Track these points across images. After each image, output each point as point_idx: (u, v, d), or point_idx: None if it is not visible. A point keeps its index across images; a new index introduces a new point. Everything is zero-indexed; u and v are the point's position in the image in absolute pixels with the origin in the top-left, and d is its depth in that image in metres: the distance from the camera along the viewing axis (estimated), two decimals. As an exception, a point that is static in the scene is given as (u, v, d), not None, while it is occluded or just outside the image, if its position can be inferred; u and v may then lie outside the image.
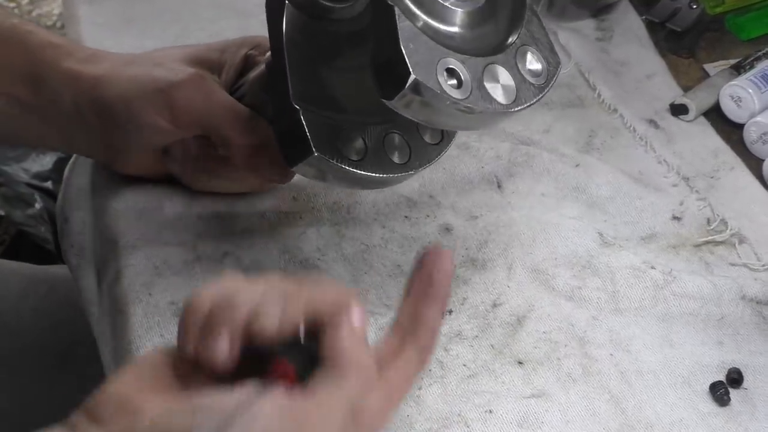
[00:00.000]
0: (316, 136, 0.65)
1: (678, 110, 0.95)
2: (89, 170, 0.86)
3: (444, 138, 0.72)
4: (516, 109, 0.62)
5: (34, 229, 1.53)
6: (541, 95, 0.63)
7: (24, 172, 1.58)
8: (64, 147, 0.81)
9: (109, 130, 0.75)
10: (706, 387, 0.72)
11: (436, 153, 0.71)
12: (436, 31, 0.61)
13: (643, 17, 1.04)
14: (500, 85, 0.61)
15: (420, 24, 0.61)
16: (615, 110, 0.95)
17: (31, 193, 1.55)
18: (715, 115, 0.95)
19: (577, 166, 0.87)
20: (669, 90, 0.98)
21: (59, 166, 1.59)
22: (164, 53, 0.76)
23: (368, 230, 0.80)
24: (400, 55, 0.58)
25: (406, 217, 0.82)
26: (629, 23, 1.04)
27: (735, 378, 0.73)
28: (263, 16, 1.02)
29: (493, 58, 0.62)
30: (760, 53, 0.98)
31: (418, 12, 0.61)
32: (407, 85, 0.58)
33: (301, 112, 0.66)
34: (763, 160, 0.90)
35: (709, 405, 0.72)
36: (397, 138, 0.69)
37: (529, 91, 0.63)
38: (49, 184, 1.58)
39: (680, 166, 0.89)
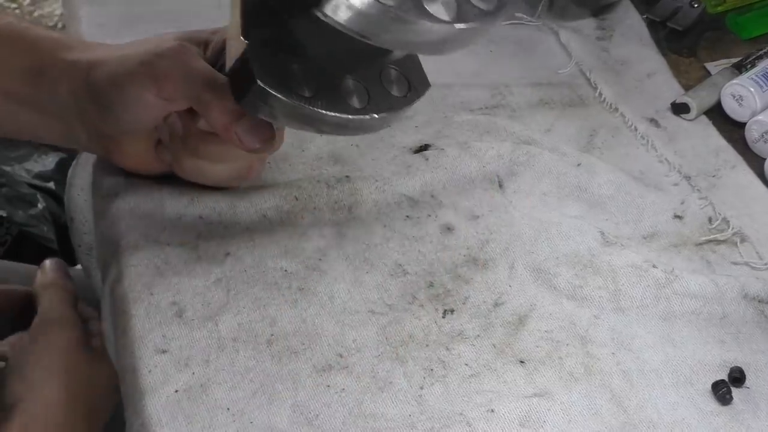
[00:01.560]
0: (262, 69, 0.64)
1: (679, 109, 0.95)
2: (90, 170, 0.86)
3: (411, 91, 0.69)
4: (458, 26, 0.56)
5: (36, 229, 1.53)
6: (488, 22, 0.58)
7: (26, 173, 1.58)
8: (64, 140, 0.81)
9: (104, 116, 0.75)
10: (708, 386, 0.72)
11: (401, 104, 0.68)
12: None
13: (644, 16, 1.04)
14: (439, 2, 0.56)
15: None
16: (616, 109, 0.95)
17: (33, 193, 1.56)
18: (716, 113, 0.95)
19: (578, 165, 0.87)
20: (670, 89, 0.98)
21: (61, 166, 1.59)
22: (159, 36, 0.77)
23: (369, 230, 0.80)
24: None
25: (407, 216, 0.82)
26: (630, 22, 1.04)
27: (737, 377, 0.73)
28: (264, 16, 1.03)
29: None
30: (761, 52, 0.98)
31: None
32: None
33: (247, 44, 0.64)
34: (765, 159, 0.90)
35: (711, 404, 0.72)
36: (352, 83, 0.67)
37: (471, 13, 0.57)
38: (51, 185, 1.58)
39: (681, 165, 0.89)
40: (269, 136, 0.72)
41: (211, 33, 0.78)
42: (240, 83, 0.67)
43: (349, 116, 0.66)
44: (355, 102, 0.66)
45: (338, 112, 0.66)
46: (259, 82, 0.64)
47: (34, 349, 0.85)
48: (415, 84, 0.69)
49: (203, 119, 0.74)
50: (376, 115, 0.67)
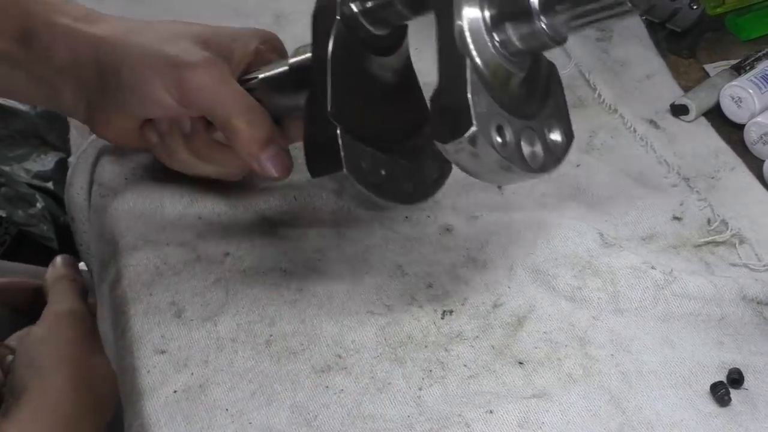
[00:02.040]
0: (347, 156, 0.68)
1: (678, 110, 0.95)
2: (89, 170, 0.86)
3: (443, 175, 0.76)
4: (540, 174, 0.65)
5: (36, 229, 1.53)
6: (557, 166, 0.67)
7: (25, 173, 1.58)
8: (47, 103, 0.81)
9: (106, 93, 0.75)
10: (707, 387, 0.72)
11: (434, 189, 0.76)
12: (493, 88, 0.63)
13: (644, 17, 1.04)
14: (532, 150, 0.65)
15: (483, 80, 0.63)
16: (615, 110, 0.95)
17: (32, 193, 1.56)
18: (715, 115, 0.95)
19: (577, 166, 0.87)
20: (669, 90, 0.98)
21: (60, 166, 1.59)
22: (169, 27, 0.77)
23: (368, 230, 0.80)
24: (466, 105, 0.60)
25: (406, 217, 0.82)
26: (629, 23, 1.04)
27: (735, 378, 0.73)
28: (263, 18, 1.03)
29: (529, 122, 0.65)
30: (760, 54, 0.98)
31: (483, 69, 0.63)
32: (467, 134, 0.60)
33: (339, 130, 0.68)
34: (764, 161, 0.90)
35: (709, 405, 0.72)
36: (407, 169, 0.74)
37: (550, 160, 0.66)
38: (50, 185, 1.58)
39: (681, 167, 0.89)
40: (290, 165, 0.74)
41: (231, 40, 0.78)
42: (322, 162, 0.69)
43: (402, 204, 0.75)
44: (409, 187, 0.74)
45: (396, 202, 0.73)
46: (345, 170, 0.68)
47: (44, 340, 0.86)
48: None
49: (225, 137, 0.74)
50: (418, 204, 0.76)
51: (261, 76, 0.76)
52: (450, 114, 0.61)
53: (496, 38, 0.64)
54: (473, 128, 0.61)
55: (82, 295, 0.91)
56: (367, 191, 0.70)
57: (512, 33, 0.64)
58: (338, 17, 0.70)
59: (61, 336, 0.86)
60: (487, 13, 0.64)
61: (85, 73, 0.75)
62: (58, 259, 0.94)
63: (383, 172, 0.71)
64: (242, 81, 0.76)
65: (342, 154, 0.68)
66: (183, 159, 0.79)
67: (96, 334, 0.88)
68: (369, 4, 0.70)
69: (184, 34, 0.76)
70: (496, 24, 0.64)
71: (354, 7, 0.70)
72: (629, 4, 0.63)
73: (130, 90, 0.74)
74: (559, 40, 0.65)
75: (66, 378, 0.83)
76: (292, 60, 0.75)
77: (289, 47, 0.98)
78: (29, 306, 0.94)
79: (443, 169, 0.76)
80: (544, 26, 0.64)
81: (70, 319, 0.87)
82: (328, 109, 0.68)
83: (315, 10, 0.71)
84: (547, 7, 0.63)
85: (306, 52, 0.75)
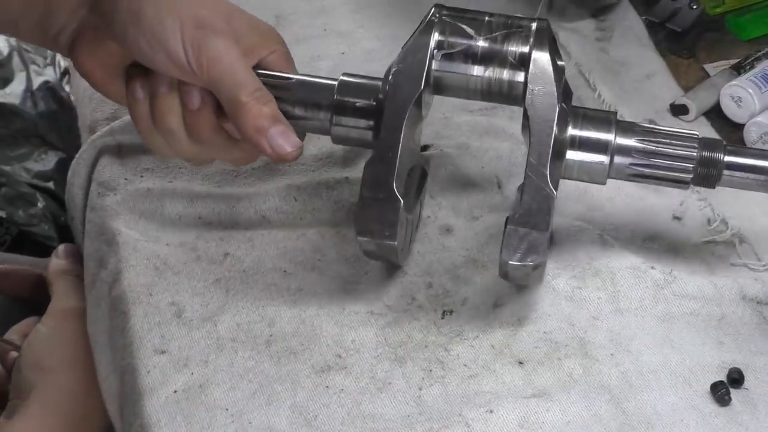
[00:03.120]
0: (400, 230, 0.72)
1: (678, 110, 0.95)
2: (88, 170, 0.86)
3: (413, 240, 0.81)
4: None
5: (37, 228, 1.53)
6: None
7: (26, 172, 1.58)
8: (34, 19, 0.76)
9: (115, 18, 0.71)
10: (707, 387, 0.72)
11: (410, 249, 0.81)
12: None
13: (643, 17, 1.04)
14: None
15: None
16: (615, 110, 0.94)
17: (33, 193, 1.56)
18: (715, 115, 0.95)
19: (577, 166, 0.87)
20: (669, 90, 0.98)
21: (61, 166, 1.59)
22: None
23: (369, 231, 0.80)
24: (545, 241, 0.69)
25: (406, 217, 0.82)
26: (629, 23, 1.03)
27: (736, 378, 0.73)
28: (263, 18, 1.02)
29: None
30: (760, 53, 0.97)
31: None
32: (536, 263, 0.69)
33: (401, 207, 0.71)
34: (764, 160, 0.90)
35: (709, 405, 0.72)
36: (412, 232, 0.79)
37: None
38: (51, 184, 1.58)
39: (681, 166, 0.89)
40: (300, 144, 0.72)
41: (252, 29, 0.75)
42: (375, 225, 0.71)
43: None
44: (411, 247, 0.81)
45: (404, 261, 0.79)
46: (395, 242, 0.72)
47: (50, 339, 0.85)
48: None
49: (230, 113, 0.72)
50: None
51: (298, 77, 0.75)
52: (527, 242, 0.69)
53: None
54: (543, 260, 0.69)
55: (82, 287, 0.91)
56: (397, 258, 0.75)
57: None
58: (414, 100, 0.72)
59: (68, 335, 0.86)
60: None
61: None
62: (61, 248, 0.93)
63: (409, 239, 0.78)
64: (263, 74, 0.75)
65: (397, 228, 0.71)
66: (173, 131, 0.74)
67: None
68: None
69: (215, 2, 0.74)
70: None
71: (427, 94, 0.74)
72: (688, 182, 0.73)
73: (144, 27, 0.70)
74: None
75: (73, 378, 0.83)
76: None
77: (290, 47, 0.98)
78: (29, 295, 0.93)
79: (414, 234, 0.81)
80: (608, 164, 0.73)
81: (76, 318, 0.87)
82: (394, 186, 0.70)
83: (395, 74, 0.72)
84: (622, 151, 0.73)
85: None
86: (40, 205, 1.54)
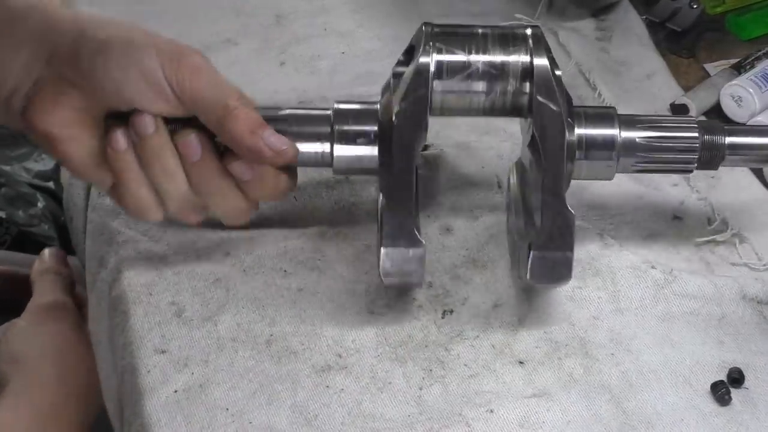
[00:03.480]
0: (423, 272, 0.71)
1: (678, 110, 0.95)
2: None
3: None
4: None
5: (37, 228, 1.53)
6: None
7: (26, 172, 1.58)
8: None
9: (80, 65, 0.66)
10: (707, 387, 0.72)
11: None
12: None
13: (644, 17, 1.04)
14: None
15: None
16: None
17: (33, 193, 1.56)
18: (715, 114, 0.95)
19: (577, 166, 0.87)
20: (669, 90, 0.98)
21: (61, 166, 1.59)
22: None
23: (368, 230, 0.80)
24: (569, 261, 0.70)
25: (406, 217, 0.82)
26: (629, 23, 1.03)
27: (736, 378, 0.73)
28: (263, 18, 1.03)
29: None
30: (760, 53, 0.97)
31: None
32: (560, 283, 0.71)
33: (423, 249, 0.70)
34: (764, 160, 0.90)
35: (710, 405, 0.72)
36: None
37: None
38: (51, 184, 1.58)
39: (681, 166, 0.89)
40: (291, 142, 0.70)
41: None
42: (397, 273, 0.70)
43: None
44: None
45: None
46: (420, 282, 0.72)
47: (27, 332, 0.86)
48: None
49: (219, 126, 0.68)
50: None
51: (290, 110, 0.73)
52: (549, 264, 0.70)
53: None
54: (570, 278, 0.70)
55: (67, 286, 0.91)
56: (420, 287, 0.74)
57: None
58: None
59: (45, 329, 0.86)
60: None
61: (54, 39, 0.67)
62: (46, 251, 0.94)
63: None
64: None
65: (422, 270, 0.70)
66: (171, 175, 0.68)
67: (81, 327, 0.87)
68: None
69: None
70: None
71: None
72: (693, 169, 0.75)
73: (115, 56, 0.65)
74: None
75: (48, 371, 0.83)
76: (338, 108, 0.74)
77: (290, 47, 0.98)
78: (13, 295, 0.93)
79: None
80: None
81: (53, 312, 0.87)
82: (415, 231, 0.70)
83: (398, 115, 0.70)
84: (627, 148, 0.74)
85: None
86: (40, 205, 1.54)
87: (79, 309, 0.91)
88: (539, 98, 0.70)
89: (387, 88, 0.73)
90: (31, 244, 1.52)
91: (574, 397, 0.71)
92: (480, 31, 0.73)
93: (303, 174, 0.85)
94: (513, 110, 0.73)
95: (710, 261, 0.81)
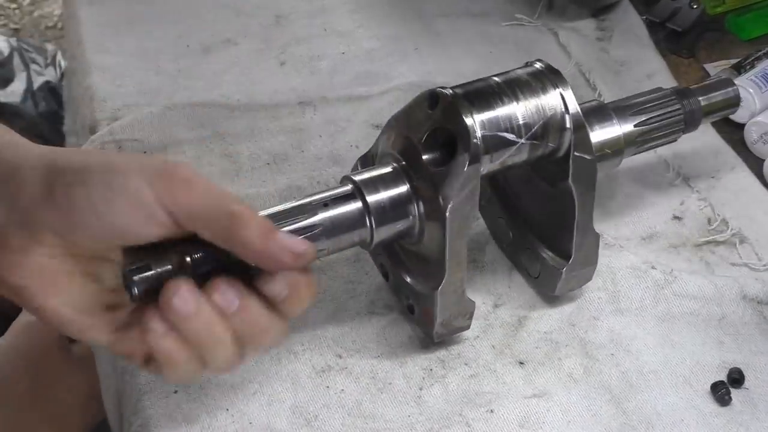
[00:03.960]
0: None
1: (678, 110, 0.95)
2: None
3: None
4: None
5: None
6: None
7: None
8: None
9: (53, 205, 0.57)
10: (707, 387, 0.72)
11: None
12: None
13: (643, 17, 1.04)
14: None
15: None
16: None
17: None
18: (715, 114, 0.95)
19: (577, 166, 0.87)
20: (669, 90, 0.98)
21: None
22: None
23: (369, 231, 0.80)
24: (593, 270, 0.75)
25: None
26: (629, 23, 1.04)
27: (736, 378, 0.73)
28: (263, 18, 1.03)
29: None
30: (760, 53, 0.97)
31: None
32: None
33: (474, 304, 0.72)
34: (764, 160, 0.90)
35: (710, 405, 0.72)
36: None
37: None
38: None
39: (681, 166, 0.89)
40: (309, 246, 0.60)
41: None
42: (458, 323, 0.72)
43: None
44: None
45: None
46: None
47: (8, 351, 0.85)
48: None
49: (236, 239, 0.58)
50: None
51: (321, 216, 0.66)
52: (580, 278, 0.75)
53: None
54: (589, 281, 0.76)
55: None
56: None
57: None
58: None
59: (24, 347, 0.85)
60: None
61: (19, 178, 0.58)
62: None
63: None
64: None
65: (470, 322, 0.73)
66: (218, 344, 0.58)
67: (63, 344, 0.87)
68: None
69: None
70: None
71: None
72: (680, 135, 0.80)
73: (104, 196, 0.56)
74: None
75: (25, 389, 0.82)
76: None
77: (290, 47, 0.98)
78: (6, 309, 0.94)
79: None
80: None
81: (36, 330, 0.86)
82: (467, 296, 0.70)
83: (451, 211, 0.67)
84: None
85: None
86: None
87: None
88: (576, 154, 0.70)
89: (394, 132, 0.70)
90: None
91: (574, 398, 0.71)
92: (502, 85, 0.69)
93: (303, 174, 0.85)
94: (549, 156, 0.71)
95: (710, 261, 0.82)
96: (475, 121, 0.67)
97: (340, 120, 0.90)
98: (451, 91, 0.67)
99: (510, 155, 0.69)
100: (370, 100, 0.92)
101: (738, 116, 0.93)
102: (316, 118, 0.90)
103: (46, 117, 1.60)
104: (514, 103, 0.68)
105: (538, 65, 0.71)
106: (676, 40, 1.02)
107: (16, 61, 1.58)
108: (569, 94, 0.70)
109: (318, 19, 1.01)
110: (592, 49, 1.01)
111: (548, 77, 0.70)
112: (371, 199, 0.67)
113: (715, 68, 0.99)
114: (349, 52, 0.98)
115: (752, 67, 0.96)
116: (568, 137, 0.70)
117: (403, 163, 0.69)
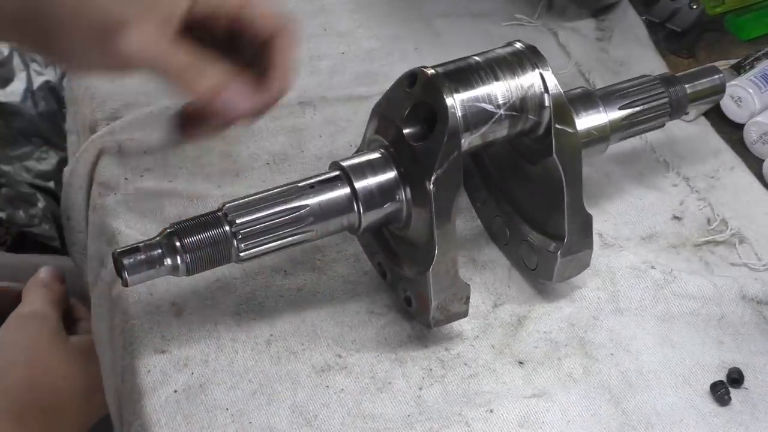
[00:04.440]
0: None
1: (678, 110, 0.95)
2: (89, 170, 0.86)
3: None
4: None
5: (37, 228, 1.53)
6: None
7: (26, 172, 1.58)
8: None
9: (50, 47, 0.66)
10: (707, 387, 0.72)
11: None
12: None
13: (643, 17, 1.04)
14: None
15: None
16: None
17: (33, 193, 1.56)
18: (715, 115, 0.95)
19: (577, 166, 0.87)
20: (669, 90, 0.98)
21: (62, 165, 1.59)
22: None
23: (369, 230, 0.80)
24: (590, 255, 0.75)
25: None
26: (629, 23, 1.04)
27: (735, 378, 0.73)
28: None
29: None
30: (760, 53, 0.97)
31: None
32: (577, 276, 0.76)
33: (469, 287, 0.72)
34: (763, 160, 0.90)
35: (709, 405, 0.72)
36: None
37: None
38: (51, 184, 1.58)
39: (680, 166, 0.89)
40: (263, 97, 0.68)
41: None
42: (455, 308, 0.72)
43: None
44: None
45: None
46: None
47: (4, 341, 0.86)
48: None
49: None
50: None
51: (312, 200, 0.69)
52: (576, 264, 0.75)
53: None
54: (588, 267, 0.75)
55: (53, 299, 0.91)
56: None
57: None
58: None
59: (19, 337, 0.86)
60: None
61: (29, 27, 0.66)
62: (42, 269, 0.94)
63: None
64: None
65: (467, 307, 0.72)
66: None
67: (59, 336, 0.88)
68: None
69: None
70: None
71: None
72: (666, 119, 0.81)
73: (68, 50, 0.65)
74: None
75: (18, 379, 0.83)
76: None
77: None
78: (8, 310, 0.94)
79: None
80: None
81: (31, 321, 0.87)
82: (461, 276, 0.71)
83: (435, 182, 0.68)
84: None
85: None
86: (40, 205, 1.55)
87: (71, 322, 0.92)
88: (558, 126, 0.71)
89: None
90: (31, 244, 1.52)
91: (573, 397, 0.71)
92: (482, 63, 0.71)
93: (303, 174, 0.85)
94: (530, 131, 0.72)
95: (710, 261, 0.82)
96: (454, 96, 0.68)
97: (340, 120, 0.90)
98: (431, 70, 0.69)
99: (490, 128, 0.70)
100: (370, 100, 0.91)
101: (738, 116, 0.93)
102: (316, 118, 0.90)
103: (46, 117, 1.60)
104: (493, 80, 0.70)
105: (518, 45, 0.72)
106: (676, 40, 1.02)
107: (16, 60, 1.58)
108: (548, 74, 0.71)
109: (318, 19, 1.01)
110: (591, 49, 1.01)
111: (528, 57, 0.71)
112: (359, 184, 0.69)
113: (714, 68, 0.99)
114: (349, 52, 0.98)
115: (752, 67, 0.96)
116: (548, 114, 0.71)
117: (391, 149, 0.70)
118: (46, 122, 1.60)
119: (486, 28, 1.02)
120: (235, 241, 0.66)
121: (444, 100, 0.67)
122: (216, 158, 0.86)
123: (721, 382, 0.72)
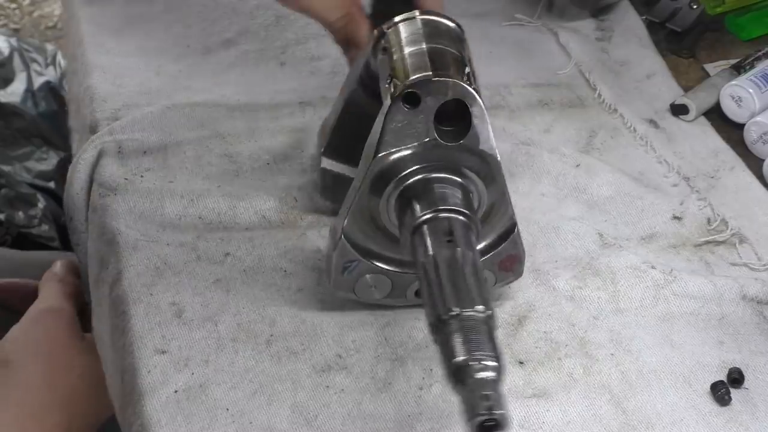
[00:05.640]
0: None
1: (678, 110, 0.95)
2: (89, 170, 0.86)
3: None
4: None
5: (37, 229, 1.53)
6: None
7: (26, 172, 1.58)
8: None
9: None
10: (707, 387, 0.72)
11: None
12: None
13: (644, 17, 1.04)
14: None
15: None
16: (615, 110, 0.95)
17: (33, 193, 1.56)
18: (715, 115, 0.95)
19: (577, 166, 0.87)
20: (669, 90, 0.98)
21: (62, 166, 1.59)
22: None
23: (369, 230, 0.80)
24: (523, 259, 0.73)
25: (406, 217, 0.82)
26: (629, 23, 1.04)
27: (736, 378, 0.73)
28: (264, 18, 1.03)
29: None
30: (760, 53, 0.98)
31: None
32: (518, 278, 0.74)
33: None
34: (764, 160, 0.90)
35: (709, 405, 0.72)
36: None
37: None
38: (51, 184, 1.58)
39: (680, 166, 0.89)
40: None
41: None
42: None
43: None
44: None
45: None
46: None
47: (20, 336, 0.86)
48: None
49: None
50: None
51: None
52: (510, 264, 0.72)
53: None
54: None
55: (69, 294, 0.91)
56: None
57: None
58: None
59: (37, 332, 0.86)
60: None
61: None
62: (58, 262, 0.95)
63: None
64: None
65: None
66: None
67: (76, 332, 0.88)
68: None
69: None
70: None
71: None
72: None
73: None
74: None
75: (35, 373, 0.83)
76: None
77: (290, 47, 0.98)
78: (25, 307, 0.94)
79: None
80: None
81: (48, 316, 0.87)
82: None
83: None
84: None
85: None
86: (40, 205, 1.55)
87: (79, 315, 0.92)
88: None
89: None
90: (30, 245, 1.52)
91: (573, 398, 0.71)
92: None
93: (303, 174, 0.85)
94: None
95: (710, 261, 0.82)
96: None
97: (340, 120, 0.90)
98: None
99: None
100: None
101: (738, 116, 0.93)
102: (316, 118, 0.90)
103: (46, 117, 1.60)
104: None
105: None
106: (676, 41, 1.03)
107: (16, 61, 1.58)
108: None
109: (318, 19, 1.01)
110: (592, 49, 1.01)
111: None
112: None
113: (715, 68, 0.99)
114: (349, 52, 0.98)
115: (752, 67, 0.96)
116: None
117: None
118: (46, 122, 1.60)
119: (486, 28, 1.02)
120: None
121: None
122: (216, 158, 0.86)
123: (721, 382, 0.72)
